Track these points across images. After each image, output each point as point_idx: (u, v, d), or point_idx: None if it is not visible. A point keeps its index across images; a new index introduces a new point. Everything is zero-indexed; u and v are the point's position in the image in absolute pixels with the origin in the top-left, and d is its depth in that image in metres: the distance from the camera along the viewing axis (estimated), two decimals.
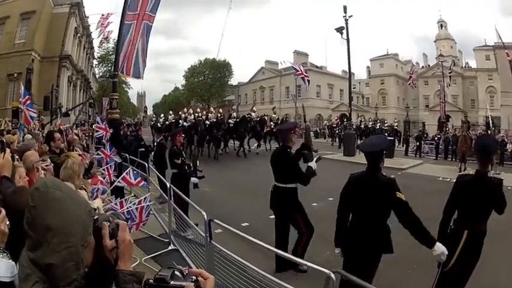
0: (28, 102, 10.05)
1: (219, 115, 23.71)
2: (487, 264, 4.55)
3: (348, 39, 24.76)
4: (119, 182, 6.78)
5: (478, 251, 4.13)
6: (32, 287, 1.37)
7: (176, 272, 1.39)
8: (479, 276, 4.41)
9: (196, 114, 23.88)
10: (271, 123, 24.13)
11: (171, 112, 29.04)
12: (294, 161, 5.93)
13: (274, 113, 27.65)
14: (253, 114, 25.00)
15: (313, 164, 5.91)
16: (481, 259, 4.20)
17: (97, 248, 1.53)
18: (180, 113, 26.79)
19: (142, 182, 7.66)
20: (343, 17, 24.67)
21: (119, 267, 1.50)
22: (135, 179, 7.03)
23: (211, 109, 26.25)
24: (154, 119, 34.47)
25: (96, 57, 55.68)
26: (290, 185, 5.88)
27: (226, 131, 22.30)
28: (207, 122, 22.52)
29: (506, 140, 26.31)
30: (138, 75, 10.44)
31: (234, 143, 23.19)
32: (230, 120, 23.12)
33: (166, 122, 26.68)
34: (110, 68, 52.76)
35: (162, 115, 31.73)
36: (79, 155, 7.29)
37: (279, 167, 6.10)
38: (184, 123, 22.58)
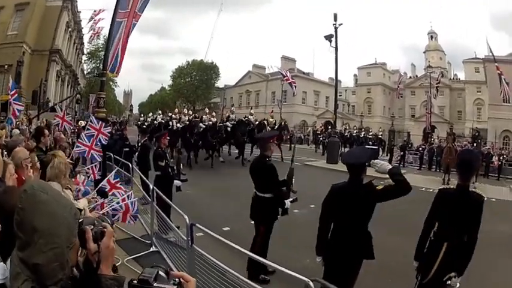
0: (15, 95, 9.94)
1: (214, 119, 21.81)
2: (474, 273, 4.62)
3: (336, 47, 24.84)
4: (103, 185, 6.75)
5: (457, 263, 4.11)
6: (21, 285, 1.41)
7: (160, 272, 1.43)
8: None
9: (189, 117, 22.49)
10: (268, 127, 21.66)
11: (160, 112, 28.16)
12: (271, 172, 5.96)
13: (272, 117, 25.42)
14: (250, 117, 22.97)
15: (287, 203, 5.97)
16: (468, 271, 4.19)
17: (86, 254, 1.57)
18: (170, 114, 25.71)
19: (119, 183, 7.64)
20: (333, 24, 24.71)
21: (101, 272, 1.54)
22: (114, 179, 7.01)
23: (206, 110, 24.59)
24: (142, 118, 33.49)
25: (85, 53, 55.48)
26: (268, 195, 5.92)
27: (222, 136, 20.11)
28: (201, 125, 20.26)
29: (492, 152, 26.77)
30: (113, 71, 10.31)
31: (230, 149, 21.92)
32: (228, 123, 21.16)
33: (155, 122, 25.72)
34: (98, 65, 52.51)
35: (150, 114, 31.34)
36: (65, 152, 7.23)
37: (257, 176, 6.14)
38: (178, 125, 21.27)
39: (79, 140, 8.06)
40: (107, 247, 1.56)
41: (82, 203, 4.62)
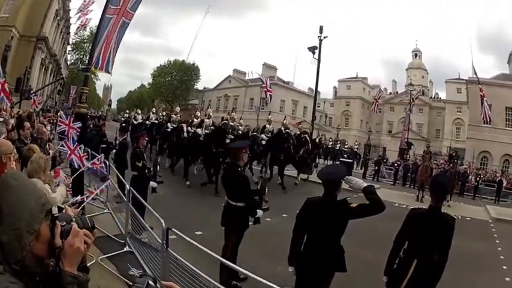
0: (5, 84, 9.69)
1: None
2: None
3: (319, 59, 25.02)
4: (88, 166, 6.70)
5: (426, 281, 4.21)
6: None
7: (150, 282, 1.48)
8: None
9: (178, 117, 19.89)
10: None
11: (139, 111, 27.29)
12: (244, 181, 6.05)
13: (269, 124, 19.02)
14: (268, 126, 18.49)
15: (259, 212, 6.07)
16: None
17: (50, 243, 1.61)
18: (164, 113, 24.25)
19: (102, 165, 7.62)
20: (318, 37, 24.92)
21: (63, 268, 1.58)
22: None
23: (209, 111, 18.95)
24: (126, 114, 30.72)
25: (70, 43, 54.77)
26: (240, 204, 5.98)
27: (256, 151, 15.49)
28: (199, 130, 15.97)
29: (468, 172, 27.32)
30: (108, 70, 10.26)
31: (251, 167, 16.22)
32: (263, 136, 17.23)
33: (147, 122, 22.96)
34: (82, 57, 51.83)
35: (139, 111, 29.29)
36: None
37: (229, 186, 6.24)
38: (168, 125, 18.83)
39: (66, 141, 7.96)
40: (71, 246, 1.60)
41: (59, 191, 4.62)
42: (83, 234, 1.66)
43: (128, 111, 31.39)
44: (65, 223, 1.63)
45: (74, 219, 1.71)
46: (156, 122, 22.52)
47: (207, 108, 21.23)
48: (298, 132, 18.04)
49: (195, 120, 17.76)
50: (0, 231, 1.49)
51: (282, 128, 17.34)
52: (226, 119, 17.28)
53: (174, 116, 20.65)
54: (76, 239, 1.62)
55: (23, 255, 1.51)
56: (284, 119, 19.35)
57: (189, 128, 16.54)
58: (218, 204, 6.50)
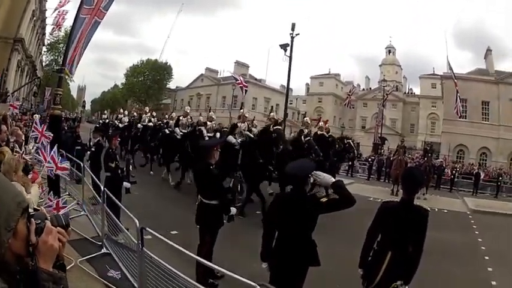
0: None
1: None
2: (424, 282, 4.83)
3: (290, 57, 25.03)
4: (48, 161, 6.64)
5: (402, 272, 4.20)
6: None
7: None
8: None
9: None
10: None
11: (126, 112, 26.84)
12: (216, 179, 6.15)
13: (242, 122, 13.69)
14: (241, 125, 13.54)
15: (233, 210, 6.27)
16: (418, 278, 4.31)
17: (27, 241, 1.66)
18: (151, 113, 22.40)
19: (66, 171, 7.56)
20: (290, 34, 24.90)
21: (39, 265, 1.63)
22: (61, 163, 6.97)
23: (211, 114, 18.01)
24: (105, 115, 30.48)
25: (45, 44, 53.87)
26: (213, 202, 6.04)
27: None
28: (203, 130, 14.46)
29: (444, 165, 27.84)
30: (71, 72, 10.08)
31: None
32: (232, 138, 12.46)
33: (139, 126, 20.06)
34: (57, 57, 50.92)
35: (126, 112, 28.24)
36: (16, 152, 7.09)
37: (202, 184, 6.31)
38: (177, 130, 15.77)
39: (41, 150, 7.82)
40: (44, 243, 1.64)
41: (33, 190, 4.64)
42: (56, 232, 1.69)
43: (106, 112, 30.94)
44: (40, 221, 1.66)
45: (48, 217, 1.73)
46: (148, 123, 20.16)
47: (187, 106, 19.49)
48: (320, 132, 14.40)
49: (170, 121, 17.23)
50: None
51: (306, 129, 13.65)
52: (204, 122, 15.85)
53: (144, 115, 20.65)
54: (50, 237, 1.65)
55: (1, 252, 1.53)
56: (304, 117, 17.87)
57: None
58: (193, 203, 6.53)
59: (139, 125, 18.66)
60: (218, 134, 15.20)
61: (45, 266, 1.63)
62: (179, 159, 15.35)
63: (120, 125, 21.32)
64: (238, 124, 13.17)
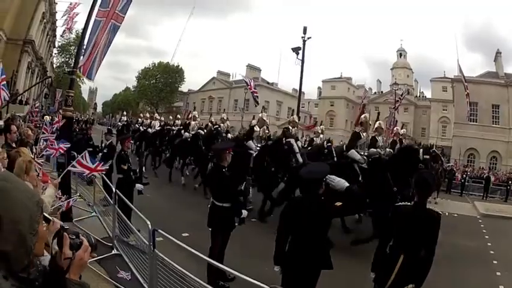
0: (3, 82, 9.46)
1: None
2: (435, 284, 4.76)
3: (302, 60, 24.87)
4: (73, 165, 6.44)
5: (414, 276, 4.17)
6: None
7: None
8: None
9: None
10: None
11: (124, 113, 26.99)
12: (229, 182, 6.15)
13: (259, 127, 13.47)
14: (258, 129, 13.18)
15: (244, 213, 6.21)
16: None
17: (56, 254, 1.74)
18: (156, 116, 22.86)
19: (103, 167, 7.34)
20: (302, 37, 24.69)
21: (69, 277, 1.68)
22: (93, 164, 6.41)
23: (224, 115, 17.77)
24: (124, 117, 28.58)
25: (56, 46, 54.37)
26: (225, 204, 6.04)
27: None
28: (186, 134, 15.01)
29: (455, 169, 27.57)
30: (91, 77, 9.98)
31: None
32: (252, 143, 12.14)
33: (148, 129, 20.86)
34: (68, 60, 51.39)
35: (147, 114, 27.00)
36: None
37: (214, 186, 6.36)
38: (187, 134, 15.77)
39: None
40: (80, 258, 1.72)
41: (48, 192, 4.64)
42: (89, 250, 1.79)
43: (125, 113, 30.88)
44: (74, 237, 1.75)
45: (81, 235, 1.81)
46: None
47: (194, 110, 18.99)
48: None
49: (192, 122, 16.59)
50: (1, 241, 1.43)
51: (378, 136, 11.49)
52: (216, 123, 16.28)
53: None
54: (86, 254, 1.76)
55: (30, 259, 1.54)
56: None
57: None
58: (204, 205, 6.54)
59: (186, 134, 15.90)
60: (230, 135, 15.47)
61: (74, 277, 1.70)
62: (194, 161, 15.09)
63: (150, 130, 20.46)
64: (255, 128, 12.91)
